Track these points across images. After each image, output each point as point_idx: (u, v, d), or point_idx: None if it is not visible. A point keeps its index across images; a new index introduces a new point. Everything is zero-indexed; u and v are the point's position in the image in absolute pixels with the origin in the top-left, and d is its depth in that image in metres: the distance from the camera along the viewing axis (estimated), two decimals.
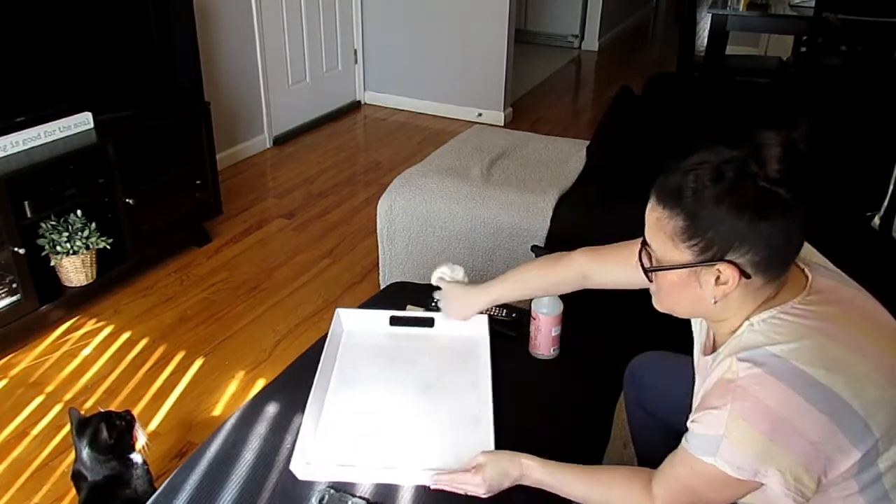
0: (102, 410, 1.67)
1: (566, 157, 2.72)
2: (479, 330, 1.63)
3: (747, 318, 1.01)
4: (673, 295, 1.06)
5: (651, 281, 1.08)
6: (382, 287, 2.47)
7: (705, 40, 4.41)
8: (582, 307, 1.71)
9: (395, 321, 1.69)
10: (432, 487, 1.25)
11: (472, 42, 4.51)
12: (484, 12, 4.40)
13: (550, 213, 2.34)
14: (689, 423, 1.03)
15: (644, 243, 1.05)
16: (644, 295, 1.15)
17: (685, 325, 1.39)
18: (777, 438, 0.92)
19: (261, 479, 1.28)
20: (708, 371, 1.08)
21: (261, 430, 1.40)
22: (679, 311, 1.10)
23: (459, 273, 1.66)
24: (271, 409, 1.45)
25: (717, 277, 0.98)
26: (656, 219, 1.01)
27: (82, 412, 1.70)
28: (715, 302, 1.01)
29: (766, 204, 0.93)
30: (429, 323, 1.67)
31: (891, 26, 3.56)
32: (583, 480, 1.17)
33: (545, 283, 1.50)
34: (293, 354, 1.97)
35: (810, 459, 0.93)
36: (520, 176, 2.57)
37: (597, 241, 2.29)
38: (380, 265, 2.65)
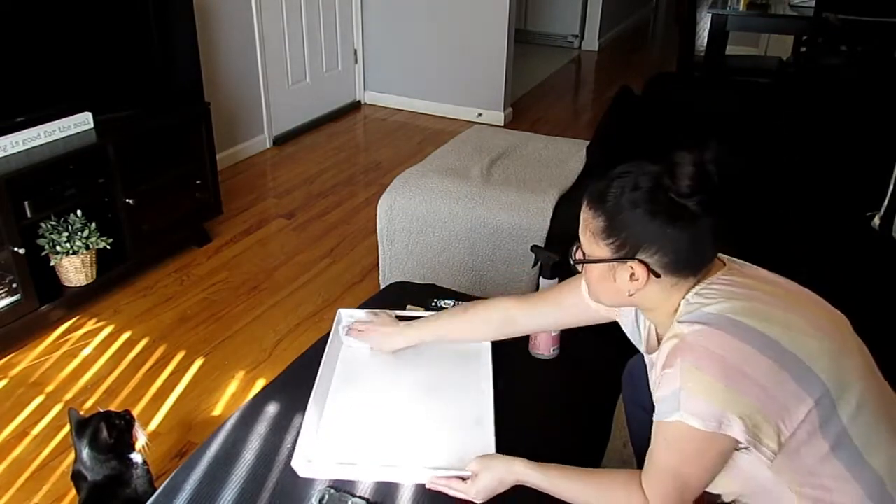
0: (102, 410, 1.67)
1: (566, 157, 2.72)
2: None
3: (683, 298, 1.11)
4: (596, 286, 1.18)
5: (578, 271, 1.22)
6: (382, 287, 2.47)
7: (705, 40, 4.41)
8: None
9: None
10: (427, 486, 1.26)
11: (472, 42, 4.51)
12: (484, 12, 4.40)
13: (550, 213, 2.34)
14: (654, 399, 1.10)
15: (577, 240, 1.18)
16: None
17: None
18: (731, 383, 1.00)
19: (261, 479, 1.28)
20: (657, 357, 1.14)
21: (261, 430, 1.40)
22: (605, 301, 1.21)
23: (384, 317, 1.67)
24: (271, 409, 1.45)
25: (631, 275, 1.10)
26: (584, 218, 1.15)
27: (82, 412, 1.70)
28: (630, 295, 1.13)
29: (675, 213, 1.05)
30: None
31: (891, 26, 3.56)
32: (579, 483, 1.19)
33: (469, 325, 1.56)
34: (293, 354, 1.97)
35: (765, 405, 1.00)
36: (520, 176, 2.57)
37: None
38: (380, 265, 2.65)
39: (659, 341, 1.21)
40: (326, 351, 1.56)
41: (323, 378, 1.48)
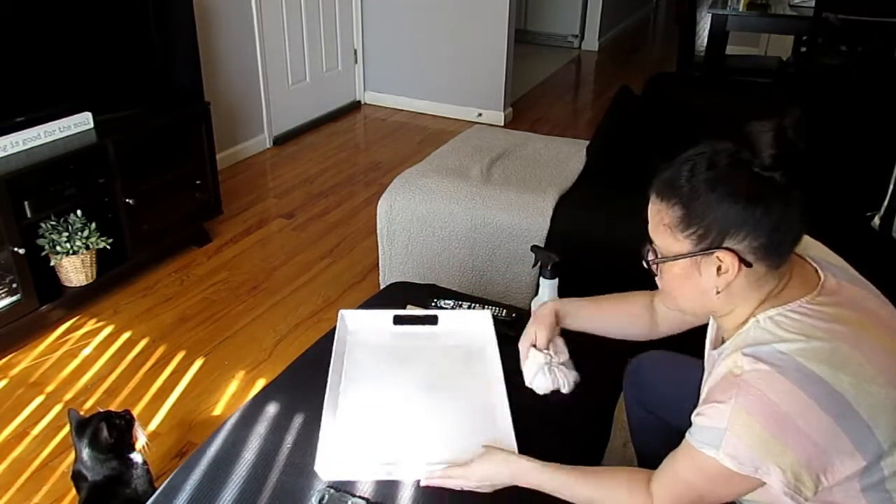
0: (102, 410, 1.67)
1: (566, 157, 2.72)
2: (484, 326, 1.63)
3: (753, 315, 1.02)
4: (677, 289, 1.07)
5: (656, 276, 1.09)
6: (382, 287, 2.47)
7: (705, 40, 4.41)
8: None
9: (398, 320, 1.69)
10: (422, 484, 1.24)
11: (472, 42, 4.51)
12: (484, 12, 4.40)
13: (550, 213, 2.34)
14: (693, 417, 1.03)
15: (648, 240, 1.07)
16: None
17: None
18: (779, 435, 0.92)
19: (261, 479, 1.28)
20: (714, 365, 1.08)
21: (261, 430, 1.40)
22: (685, 307, 1.10)
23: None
24: (271, 409, 1.45)
25: (718, 267, 0.99)
26: (656, 212, 1.03)
27: (82, 412, 1.70)
28: (718, 292, 1.01)
29: (761, 189, 0.94)
30: (432, 321, 1.67)
31: (891, 26, 3.56)
32: (580, 482, 1.15)
33: (619, 318, 1.45)
34: (293, 354, 1.97)
35: (811, 459, 0.93)
36: (520, 176, 2.57)
37: (597, 241, 2.30)
38: (380, 265, 2.65)
39: (722, 341, 1.13)
40: (334, 354, 1.54)
41: (333, 381, 1.47)
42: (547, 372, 1.42)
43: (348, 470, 1.28)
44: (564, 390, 1.43)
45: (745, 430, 0.94)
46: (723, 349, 1.06)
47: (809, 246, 1.10)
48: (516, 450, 1.28)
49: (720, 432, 0.96)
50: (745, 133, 0.96)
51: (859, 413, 0.93)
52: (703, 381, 1.15)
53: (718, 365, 1.03)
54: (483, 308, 1.74)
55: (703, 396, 1.07)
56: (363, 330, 1.68)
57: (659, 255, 1.05)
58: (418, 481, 1.26)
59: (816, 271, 1.05)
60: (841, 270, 1.08)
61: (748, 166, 0.95)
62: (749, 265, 0.98)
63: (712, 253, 0.98)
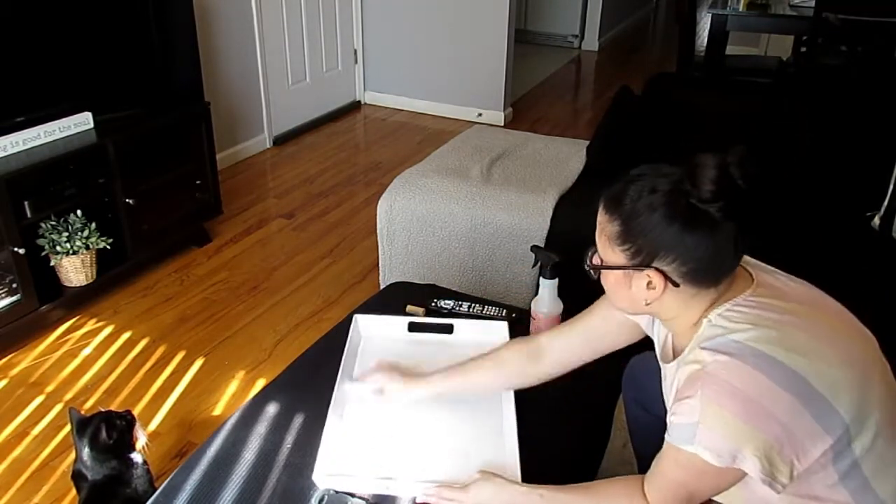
0: (103, 410, 1.67)
1: (566, 157, 2.72)
2: (500, 337, 1.61)
3: (705, 316, 1.06)
4: (613, 293, 1.14)
5: (594, 277, 1.16)
6: (382, 287, 2.47)
7: (705, 40, 4.42)
8: (581, 307, 1.71)
9: (413, 327, 1.67)
10: (418, 501, 1.23)
11: (472, 42, 4.51)
12: (484, 12, 4.40)
13: (550, 213, 2.34)
14: (668, 418, 1.07)
15: (594, 245, 1.13)
16: None
17: None
18: (749, 419, 0.96)
19: (261, 479, 1.28)
20: (674, 376, 1.11)
21: (261, 430, 1.40)
22: (623, 309, 1.19)
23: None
24: (271, 409, 1.45)
25: (648, 282, 1.05)
26: (599, 222, 1.10)
27: (82, 412, 1.70)
28: (647, 304, 1.08)
29: (694, 219, 1.00)
30: (448, 329, 1.66)
31: (891, 26, 3.56)
32: (577, 500, 1.17)
33: (485, 371, 1.44)
34: (293, 354, 1.97)
35: (782, 442, 0.97)
36: (520, 176, 2.57)
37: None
38: (380, 265, 2.65)
39: (674, 351, 1.18)
40: (344, 358, 1.53)
41: (341, 387, 1.46)
42: None
43: (346, 481, 1.27)
44: None
45: (716, 420, 0.98)
46: (681, 359, 1.09)
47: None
48: (519, 473, 1.28)
49: (693, 426, 0.99)
50: (690, 165, 1.01)
51: (818, 391, 0.97)
52: (666, 389, 1.18)
53: (681, 370, 1.07)
54: (499, 315, 1.73)
55: (671, 401, 1.10)
56: (377, 336, 1.67)
57: (598, 261, 1.12)
58: (415, 499, 1.25)
59: (749, 272, 1.10)
60: (770, 270, 1.14)
61: (686, 196, 1.00)
62: (676, 285, 1.04)
63: (642, 270, 1.05)
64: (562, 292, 1.59)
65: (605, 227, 1.08)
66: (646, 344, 1.53)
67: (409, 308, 1.78)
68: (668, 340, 1.21)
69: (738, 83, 4.07)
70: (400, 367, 1.49)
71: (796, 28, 4.21)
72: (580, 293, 1.51)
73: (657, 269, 1.04)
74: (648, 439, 1.57)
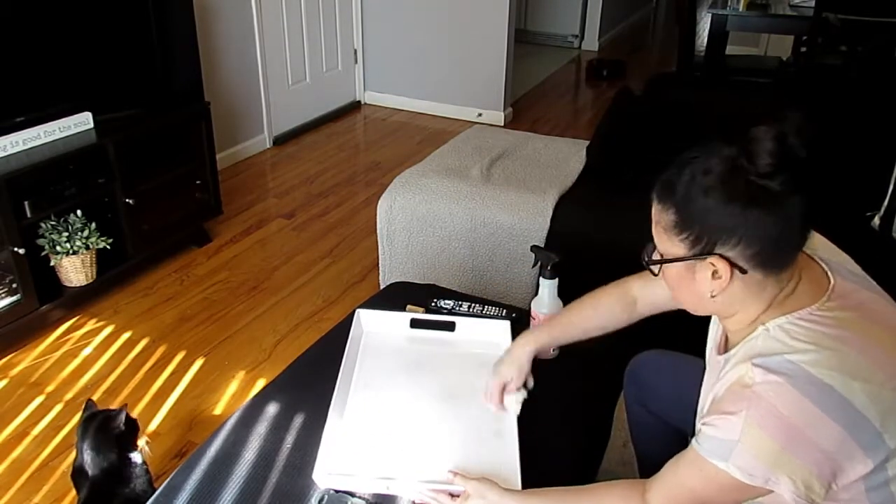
0: (115, 409, 1.67)
1: (566, 157, 2.72)
2: (501, 337, 1.61)
3: (762, 323, 1.01)
4: (676, 289, 1.07)
5: (655, 274, 1.08)
6: (382, 287, 2.47)
7: (705, 40, 4.41)
8: None
9: (415, 324, 1.68)
10: (417, 501, 1.23)
11: (472, 42, 4.51)
12: (484, 12, 4.40)
13: (550, 213, 2.34)
14: (700, 425, 1.02)
15: (651, 240, 1.07)
16: None
17: (685, 324, 1.39)
18: (790, 447, 0.92)
19: (261, 479, 1.28)
20: (720, 371, 1.07)
21: (261, 430, 1.40)
22: (687, 307, 1.10)
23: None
24: (271, 409, 1.45)
25: (713, 272, 0.98)
26: (655, 213, 1.03)
27: (80, 415, 1.70)
28: (713, 296, 1.01)
29: (755, 196, 0.93)
30: (450, 327, 1.66)
31: (891, 26, 3.56)
32: (571, 502, 1.14)
33: (594, 313, 1.44)
34: (293, 354, 1.97)
35: (822, 468, 0.93)
36: (520, 176, 2.57)
37: (597, 241, 2.30)
38: (380, 265, 2.65)
39: (726, 345, 1.12)
40: (346, 354, 1.53)
41: (342, 383, 1.46)
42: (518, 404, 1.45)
43: (346, 480, 1.27)
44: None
45: (757, 444, 0.93)
46: (730, 356, 1.05)
47: (819, 247, 1.09)
48: (519, 474, 1.26)
49: (731, 444, 0.95)
50: (746, 139, 0.94)
51: (869, 419, 0.93)
52: (708, 385, 1.14)
53: (727, 372, 1.03)
54: (499, 315, 1.73)
55: (708, 403, 1.06)
56: (379, 332, 1.67)
57: (657, 256, 1.05)
58: (413, 501, 1.24)
59: (826, 274, 1.04)
60: (849, 273, 1.07)
61: (744, 173, 0.94)
62: (744, 272, 0.97)
63: (705, 259, 0.98)
64: (562, 292, 1.59)
65: (660, 218, 1.02)
66: (648, 342, 1.53)
67: (409, 308, 1.78)
68: (720, 333, 1.16)
69: (738, 83, 4.07)
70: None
71: (796, 28, 4.21)
72: (580, 293, 1.51)
73: (721, 256, 0.97)
74: (649, 439, 1.57)
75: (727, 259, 0.96)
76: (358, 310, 1.68)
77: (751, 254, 0.96)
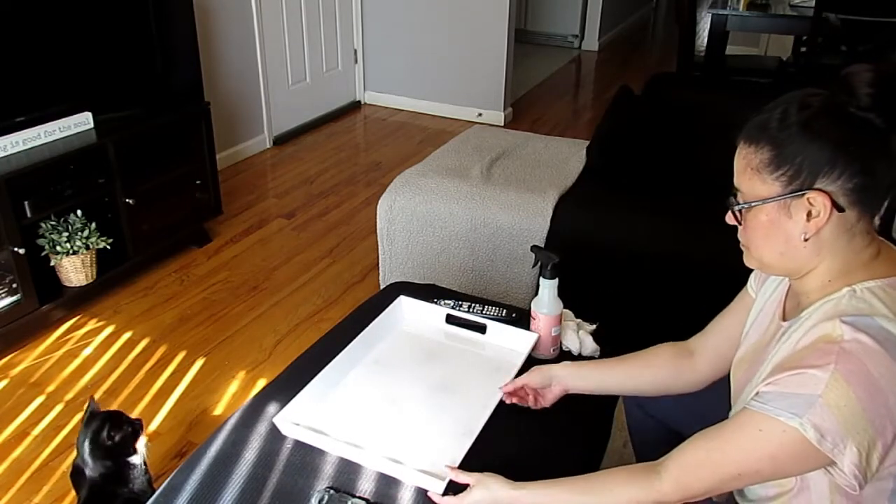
0: (115, 410, 1.67)
1: (566, 157, 2.72)
2: (522, 347, 1.61)
3: (848, 284, 0.97)
4: (761, 238, 1.02)
5: (740, 223, 1.04)
6: (382, 287, 2.47)
7: (705, 40, 4.41)
8: (581, 307, 1.71)
9: (450, 319, 1.71)
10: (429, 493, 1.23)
11: (472, 42, 4.51)
12: (484, 12, 4.40)
13: (550, 213, 2.34)
14: (764, 387, 0.96)
15: (733, 192, 1.03)
16: (644, 297, 1.13)
17: (685, 325, 1.39)
18: (870, 410, 0.88)
19: (261, 479, 1.28)
20: (781, 337, 1.03)
21: (261, 429, 1.40)
22: (769, 259, 1.03)
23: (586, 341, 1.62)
24: (271, 409, 1.45)
25: (809, 212, 0.95)
26: (743, 157, 1.00)
27: (82, 412, 1.70)
28: (806, 239, 0.96)
29: (856, 129, 0.91)
30: (481, 329, 1.68)
31: (891, 26, 3.56)
32: (578, 490, 1.11)
33: (627, 369, 1.39)
34: (293, 354, 1.97)
35: (886, 440, 0.90)
36: (520, 176, 2.57)
37: (597, 241, 2.30)
38: (380, 265, 2.65)
39: (787, 312, 1.08)
40: (369, 329, 1.60)
41: (355, 350, 1.54)
42: (574, 334, 1.60)
43: (309, 435, 1.33)
44: (584, 352, 1.60)
45: (840, 399, 0.88)
46: (802, 318, 1.01)
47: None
48: (446, 481, 1.24)
49: (810, 399, 0.89)
50: (842, 76, 0.92)
51: None
52: (762, 354, 1.10)
53: (796, 335, 0.99)
54: (499, 315, 1.74)
55: (767, 370, 1.01)
56: (413, 319, 1.73)
57: (745, 202, 1.01)
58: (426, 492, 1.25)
59: None
60: None
61: (843, 107, 0.91)
62: (841, 209, 0.94)
63: (803, 195, 0.94)
64: (562, 292, 1.59)
65: (750, 160, 0.98)
66: (647, 344, 1.53)
67: None
68: (782, 297, 1.12)
69: (738, 83, 4.07)
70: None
71: (796, 28, 4.21)
72: (580, 293, 1.52)
73: (821, 191, 0.93)
74: (647, 440, 1.57)
75: (827, 193, 0.93)
76: (401, 297, 1.74)
77: (850, 188, 0.92)
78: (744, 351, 1.20)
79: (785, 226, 0.97)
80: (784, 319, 1.09)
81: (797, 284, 1.06)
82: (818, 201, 0.93)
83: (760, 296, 1.21)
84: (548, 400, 1.42)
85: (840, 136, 0.91)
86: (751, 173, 0.98)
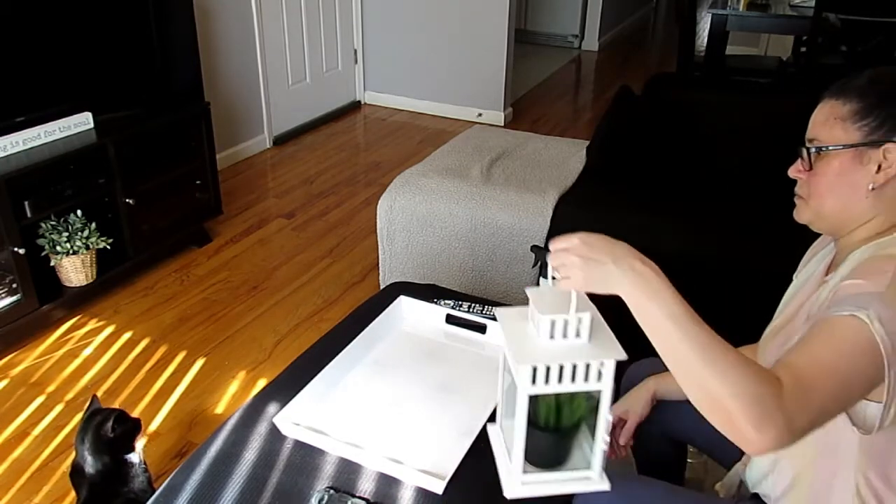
0: (117, 408, 1.67)
1: (566, 157, 2.72)
2: None
3: (892, 234, 1.02)
4: (827, 185, 1.06)
5: (810, 169, 1.07)
6: (382, 287, 2.47)
7: (705, 40, 4.41)
8: None
9: (450, 320, 1.71)
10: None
11: (472, 42, 4.51)
12: (484, 12, 4.40)
13: (550, 213, 2.34)
14: (829, 307, 0.93)
15: (804, 144, 1.08)
16: None
17: None
18: None
19: (261, 479, 1.28)
20: (824, 286, 1.05)
21: (261, 429, 1.40)
22: (829, 208, 1.07)
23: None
24: (271, 409, 1.45)
25: (879, 165, 1.01)
26: (829, 107, 1.06)
27: (83, 412, 1.70)
28: (872, 188, 1.02)
29: None
30: (481, 329, 1.68)
31: (891, 26, 3.56)
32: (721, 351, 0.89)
33: None
34: (293, 354, 1.97)
35: None
36: (520, 176, 2.57)
37: None
38: (380, 265, 2.65)
39: (828, 271, 1.12)
40: (369, 329, 1.60)
41: (356, 349, 1.54)
42: None
43: (309, 435, 1.34)
44: None
45: None
46: (847, 261, 1.04)
47: None
48: (450, 474, 1.24)
49: (874, 296, 0.89)
50: None
51: None
52: (808, 304, 1.10)
53: (842, 270, 1.02)
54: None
55: (814, 310, 1.04)
56: (413, 320, 1.72)
57: (824, 148, 1.05)
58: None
59: None
60: None
61: None
62: None
63: (881, 145, 1.01)
64: None
65: (836, 110, 1.05)
66: (644, 351, 1.52)
67: None
68: (825, 269, 1.14)
69: (738, 83, 4.07)
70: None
71: (796, 28, 4.21)
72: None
73: None
74: (647, 446, 1.57)
75: None
76: (402, 296, 1.74)
77: None
78: (778, 321, 1.20)
79: (854, 174, 1.03)
80: (826, 275, 1.12)
81: (844, 241, 1.09)
82: (893, 154, 1.00)
83: (803, 274, 1.23)
84: (626, 436, 1.41)
85: None
86: (833, 122, 1.04)
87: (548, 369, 0.92)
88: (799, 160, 1.10)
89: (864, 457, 1.00)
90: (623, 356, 0.94)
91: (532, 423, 0.95)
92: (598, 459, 1.00)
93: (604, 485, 1.00)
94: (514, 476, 0.99)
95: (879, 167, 1.01)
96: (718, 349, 0.87)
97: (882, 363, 0.87)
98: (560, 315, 0.94)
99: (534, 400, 0.95)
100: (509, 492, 1.00)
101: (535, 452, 1.00)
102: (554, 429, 1.00)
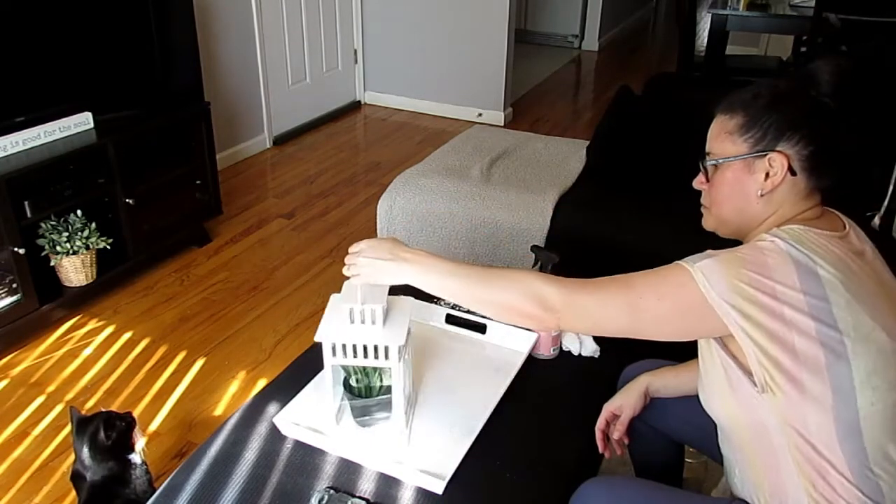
0: (104, 410, 1.67)
1: (566, 157, 2.72)
2: (525, 345, 1.62)
3: (778, 226, 1.09)
4: (723, 194, 1.15)
5: (707, 181, 1.18)
6: None
7: (705, 40, 4.42)
8: None
9: (450, 320, 1.71)
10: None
11: (472, 42, 4.51)
12: (484, 12, 4.40)
13: (550, 213, 2.34)
14: None
15: (702, 156, 1.18)
16: None
17: None
18: (755, 284, 0.99)
19: (261, 479, 1.28)
20: None
21: (261, 429, 1.40)
22: (727, 215, 1.17)
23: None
24: (271, 409, 1.45)
25: (767, 173, 1.09)
26: (719, 123, 1.15)
27: (83, 412, 1.70)
28: (761, 195, 1.10)
29: (815, 108, 1.07)
30: (481, 329, 1.68)
31: (891, 26, 3.56)
32: (477, 277, 1.17)
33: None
34: (293, 354, 1.97)
35: (771, 323, 0.98)
36: (520, 176, 2.57)
37: (597, 241, 2.30)
38: None
39: None
40: None
41: None
42: (574, 334, 1.62)
43: (311, 435, 1.34)
44: (584, 352, 1.63)
45: (732, 265, 1.01)
46: None
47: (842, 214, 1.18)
48: (450, 474, 1.26)
49: (707, 255, 1.04)
50: (808, 67, 1.08)
51: (837, 325, 0.98)
52: None
53: None
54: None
55: None
56: (417, 319, 1.71)
57: (718, 161, 1.15)
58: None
59: (844, 225, 1.12)
60: (863, 234, 1.15)
61: (806, 90, 1.07)
62: (794, 174, 1.08)
63: (765, 155, 1.08)
64: None
65: (725, 125, 1.13)
66: (640, 353, 1.53)
67: None
68: None
69: (739, 83, 4.06)
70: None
71: (796, 28, 4.21)
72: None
73: (781, 152, 1.08)
74: (643, 447, 1.57)
75: (786, 155, 1.08)
76: (401, 296, 1.71)
77: (805, 155, 1.07)
78: None
79: (746, 183, 1.12)
80: None
81: (748, 240, 1.15)
82: (777, 162, 1.08)
83: None
84: (619, 430, 1.44)
85: (800, 111, 1.07)
86: (724, 136, 1.14)
87: (343, 346, 1.28)
88: (700, 173, 1.19)
89: (791, 433, 1.03)
90: (402, 342, 1.24)
91: (348, 388, 1.35)
92: (398, 411, 1.32)
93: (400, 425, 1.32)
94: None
95: (767, 175, 1.09)
96: (493, 273, 1.17)
97: (699, 308, 1.02)
98: (358, 305, 1.25)
99: (347, 369, 1.35)
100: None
101: (356, 409, 1.36)
102: (366, 394, 1.35)
